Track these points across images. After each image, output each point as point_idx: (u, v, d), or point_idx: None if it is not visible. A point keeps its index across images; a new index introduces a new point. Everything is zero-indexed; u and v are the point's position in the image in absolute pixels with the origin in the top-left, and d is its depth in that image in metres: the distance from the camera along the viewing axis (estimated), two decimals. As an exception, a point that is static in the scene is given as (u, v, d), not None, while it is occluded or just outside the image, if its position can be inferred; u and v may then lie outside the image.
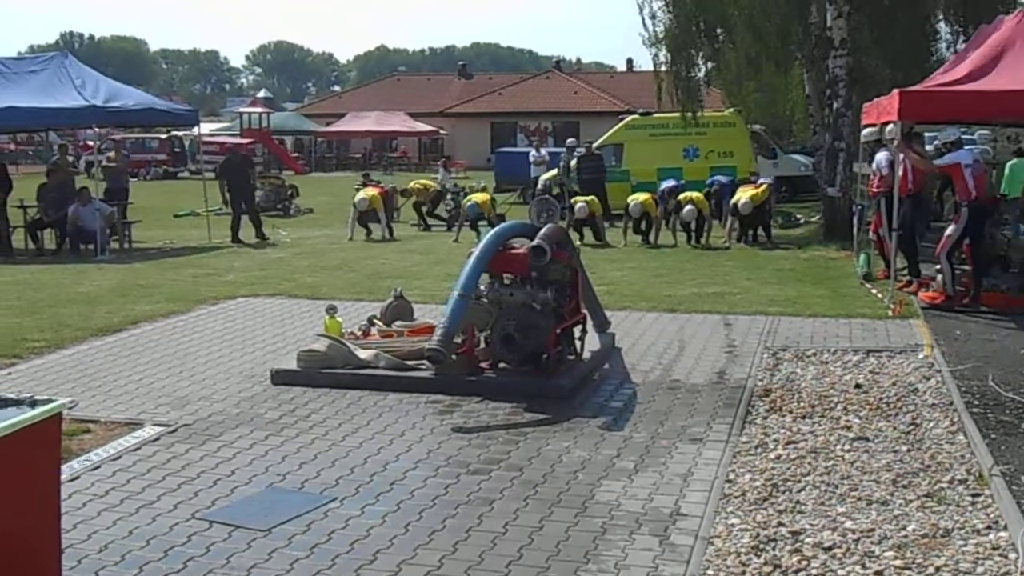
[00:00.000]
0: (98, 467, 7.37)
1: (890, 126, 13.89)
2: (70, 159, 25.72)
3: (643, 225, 21.96)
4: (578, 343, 10.32)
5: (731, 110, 29.98)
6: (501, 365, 9.70)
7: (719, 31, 25.58)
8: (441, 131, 65.91)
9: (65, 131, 44.60)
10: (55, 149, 30.06)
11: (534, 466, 7.37)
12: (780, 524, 6.16)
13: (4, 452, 4.36)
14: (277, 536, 6.10)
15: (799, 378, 9.81)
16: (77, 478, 7.09)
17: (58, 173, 23.15)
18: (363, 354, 9.96)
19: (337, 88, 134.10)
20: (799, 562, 5.62)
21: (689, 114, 26.11)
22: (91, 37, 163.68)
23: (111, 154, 26.83)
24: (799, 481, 6.94)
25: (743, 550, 5.80)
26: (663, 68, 26.62)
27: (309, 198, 34.13)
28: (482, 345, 9.80)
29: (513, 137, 64.52)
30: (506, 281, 9.92)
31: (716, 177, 24.55)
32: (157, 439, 8.05)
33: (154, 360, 10.85)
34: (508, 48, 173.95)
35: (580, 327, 10.41)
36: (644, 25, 26.65)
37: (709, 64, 26.97)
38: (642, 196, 21.92)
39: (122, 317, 13.13)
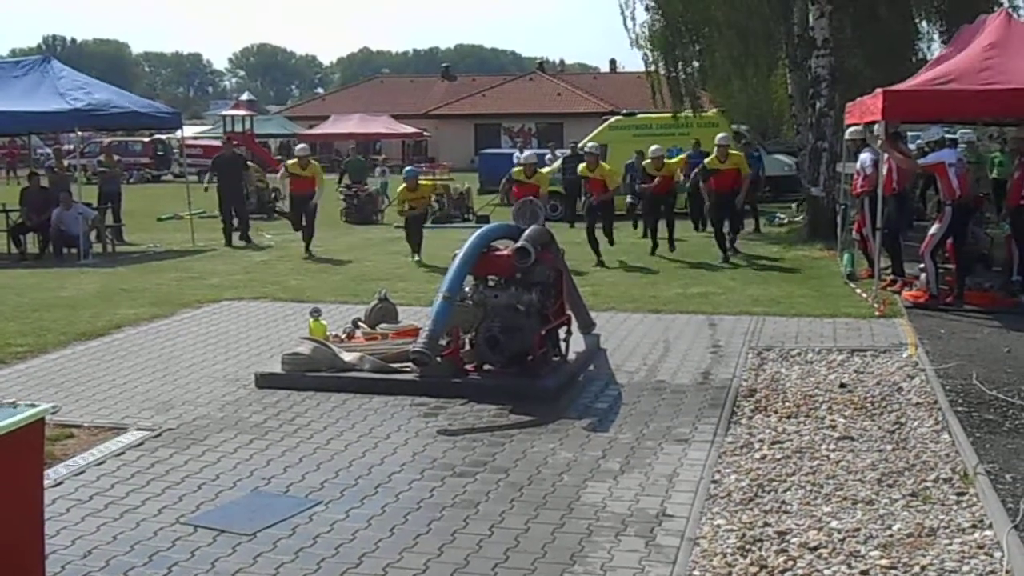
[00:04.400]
0: (82, 472, 7.34)
1: (877, 125, 13.93)
2: (66, 163, 25.68)
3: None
4: (563, 344, 10.32)
5: (715, 110, 30.03)
6: (486, 367, 9.68)
7: (704, 31, 25.68)
8: (425, 133, 65.85)
9: (47, 135, 44.46)
10: (50, 154, 30.00)
11: (520, 468, 7.36)
12: (766, 524, 6.16)
13: (-14, 458, 4.34)
14: (262, 540, 6.07)
15: (784, 378, 9.83)
16: (61, 483, 7.06)
17: (48, 177, 23.19)
18: (348, 357, 9.95)
19: (320, 90, 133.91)
20: (785, 562, 5.62)
21: (684, 112, 26.37)
22: (73, 40, 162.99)
23: (102, 158, 26.75)
24: (785, 481, 6.95)
25: (729, 551, 5.80)
26: (653, 68, 26.79)
27: (293, 201, 34.01)
28: (467, 347, 9.79)
29: (497, 138, 64.53)
30: (491, 283, 9.92)
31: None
32: (141, 444, 8.02)
33: (138, 364, 10.81)
34: (492, 49, 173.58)
35: (565, 328, 10.41)
36: (625, 25, 26.78)
37: (695, 64, 27.02)
38: None
39: (105, 321, 13.08)
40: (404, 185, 19.58)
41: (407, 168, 19.91)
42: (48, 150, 44.60)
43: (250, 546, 6.00)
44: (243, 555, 5.87)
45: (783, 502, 6.56)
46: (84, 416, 8.79)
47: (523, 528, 6.24)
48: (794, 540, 5.90)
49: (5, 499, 4.55)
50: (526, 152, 21.22)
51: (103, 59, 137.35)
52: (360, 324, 11.14)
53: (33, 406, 4.73)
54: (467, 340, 9.79)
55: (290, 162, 20.99)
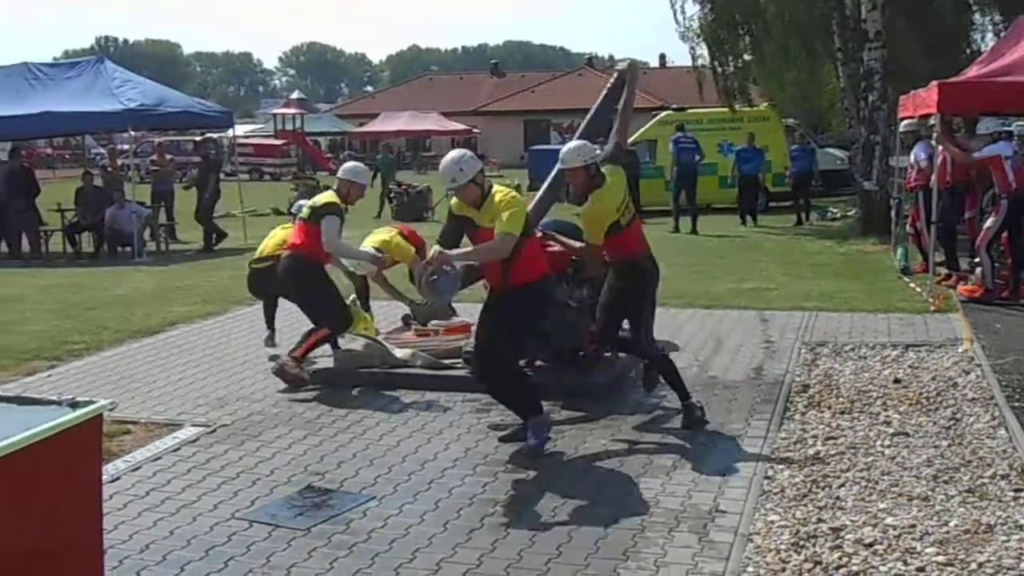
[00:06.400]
0: (138, 468, 7.43)
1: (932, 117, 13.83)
2: (119, 163, 25.95)
3: None
4: (614, 340, 10.26)
5: (766, 104, 29.85)
6: (538, 363, 9.68)
7: (754, 24, 25.57)
8: (474, 130, 65.94)
9: (101, 135, 44.91)
10: (104, 154, 30.26)
11: (572, 464, 7.36)
12: (820, 520, 6.12)
13: (46, 454, 4.39)
14: (316, 535, 6.12)
15: (837, 373, 9.75)
16: (118, 479, 7.15)
17: (102, 177, 23.45)
18: (400, 353, 9.98)
19: (370, 88, 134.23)
20: (840, 559, 5.58)
21: (731, 107, 26.37)
22: (125, 41, 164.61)
23: (155, 157, 27.00)
24: (839, 477, 6.90)
25: (783, 547, 5.77)
26: (700, 62, 26.70)
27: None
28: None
29: (546, 135, 64.50)
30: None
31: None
32: (196, 439, 8.10)
33: (192, 361, 10.92)
34: (540, 46, 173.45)
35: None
36: (676, 19, 26.78)
37: (745, 57, 26.92)
38: None
39: (160, 319, 13.21)
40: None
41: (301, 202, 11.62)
42: (102, 150, 45.13)
43: (305, 541, 6.04)
44: (298, 550, 5.91)
45: (837, 498, 6.52)
46: (140, 412, 8.88)
47: (576, 524, 6.24)
48: (849, 536, 5.86)
49: (65, 494, 4.61)
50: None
51: (155, 59, 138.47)
52: (411, 321, 11.17)
53: (91, 402, 4.79)
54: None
55: (324, 197, 10.09)
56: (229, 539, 6.09)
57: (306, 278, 9.68)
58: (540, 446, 7.54)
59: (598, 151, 8.38)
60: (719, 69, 26.55)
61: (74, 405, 4.76)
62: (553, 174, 9.54)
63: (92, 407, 4.71)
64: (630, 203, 8.36)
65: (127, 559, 5.81)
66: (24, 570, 4.39)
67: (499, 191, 7.50)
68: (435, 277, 7.43)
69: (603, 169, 8.26)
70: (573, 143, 8.46)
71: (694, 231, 23.12)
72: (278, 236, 10.86)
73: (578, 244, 8.95)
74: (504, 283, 7.55)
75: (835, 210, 26.69)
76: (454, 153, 7.55)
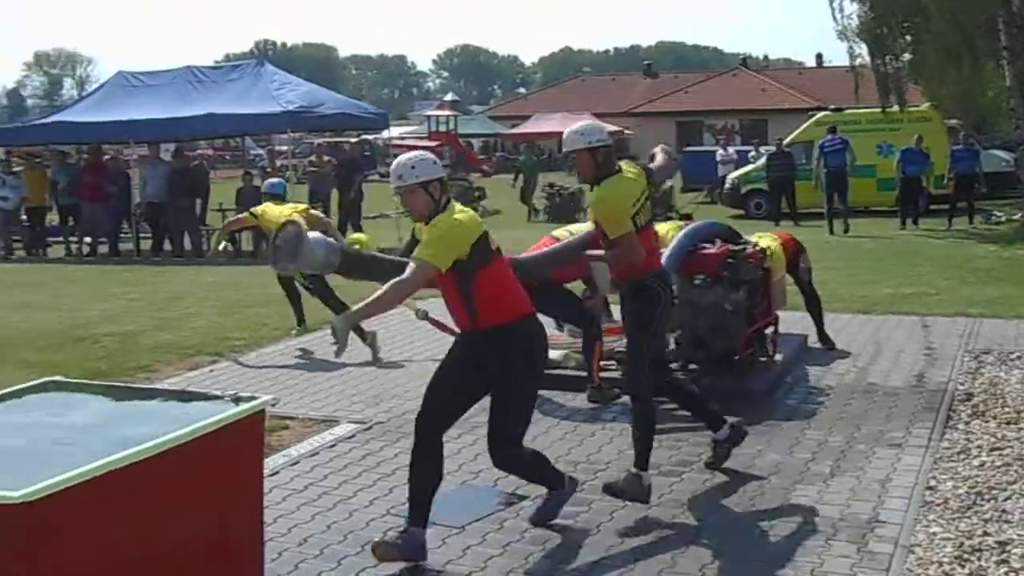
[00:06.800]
0: (296, 463, 7.58)
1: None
2: (277, 163, 26.61)
3: None
4: (770, 345, 10.13)
5: (927, 104, 29.07)
6: (691, 367, 9.58)
7: (916, 21, 24.96)
8: (626, 131, 65.71)
9: (260, 136, 45.98)
10: (263, 155, 30.99)
11: (725, 469, 7.26)
12: (985, 534, 5.93)
13: (212, 446, 4.51)
14: (471, 533, 6.16)
15: (1003, 382, 9.42)
16: (276, 473, 7.30)
17: (261, 178, 24.07)
18: (552, 354, 9.96)
19: (523, 90, 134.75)
20: (1007, 574, 5.40)
21: (892, 108, 25.84)
22: (283, 45, 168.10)
23: (313, 158, 27.51)
24: (1005, 489, 6.67)
25: (946, 560, 5.61)
26: (858, 62, 26.17)
27: (495, 200, 34.42)
28: (672, 346, 9.70)
29: (699, 136, 63.94)
30: (696, 282, 9.78)
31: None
32: (352, 436, 8.24)
33: (348, 359, 11.07)
34: (693, 46, 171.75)
35: (772, 328, 10.23)
36: (834, 18, 26.28)
37: (906, 56, 26.29)
38: None
39: (318, 317, 13.40)
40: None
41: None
42: (260, 151, 46.23)
43: (459, 539, 6.09)
44: (453, 547, 5.97)
45: (1003, 511, 6.30)
46: (298, 408, 9.07)
47: (730, 531, 6.16)
48: (1016, 551, 5.67)
49: (229, 486, 4.73)
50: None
51: (312, 62, 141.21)
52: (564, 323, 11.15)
53: (253, 398, 4.91)
54: (672, 339, 9.70)
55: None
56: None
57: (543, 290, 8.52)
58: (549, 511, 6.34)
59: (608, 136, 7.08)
60: (880, 68, 25.96)
61: (237, 400, 4.89)
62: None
63: (255, 402, 4.84)
64: (648, 207, 7.00)
65: (286, 551, 5.93)
66: (191, 557, 4.52)
67: (457, 211, 5.94)
68: (279, 244, 6.84)
69: (622, 163, 7.09)
70: (578, 123, 7.11)
71: (845, 232, 22.70)
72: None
73: (596, 251, 7.41)
74: (474, 325, 6.15)
75: (1000, 213, 25.85)
76: (417, 151, 6.28)
